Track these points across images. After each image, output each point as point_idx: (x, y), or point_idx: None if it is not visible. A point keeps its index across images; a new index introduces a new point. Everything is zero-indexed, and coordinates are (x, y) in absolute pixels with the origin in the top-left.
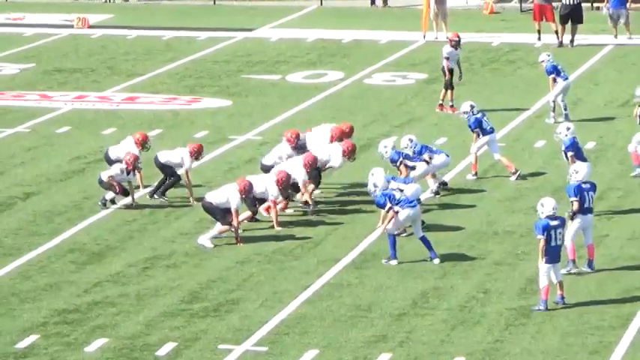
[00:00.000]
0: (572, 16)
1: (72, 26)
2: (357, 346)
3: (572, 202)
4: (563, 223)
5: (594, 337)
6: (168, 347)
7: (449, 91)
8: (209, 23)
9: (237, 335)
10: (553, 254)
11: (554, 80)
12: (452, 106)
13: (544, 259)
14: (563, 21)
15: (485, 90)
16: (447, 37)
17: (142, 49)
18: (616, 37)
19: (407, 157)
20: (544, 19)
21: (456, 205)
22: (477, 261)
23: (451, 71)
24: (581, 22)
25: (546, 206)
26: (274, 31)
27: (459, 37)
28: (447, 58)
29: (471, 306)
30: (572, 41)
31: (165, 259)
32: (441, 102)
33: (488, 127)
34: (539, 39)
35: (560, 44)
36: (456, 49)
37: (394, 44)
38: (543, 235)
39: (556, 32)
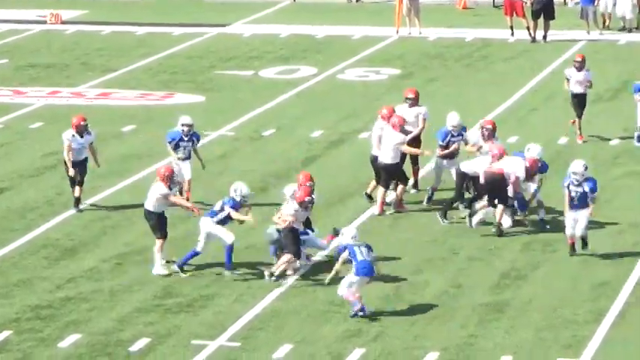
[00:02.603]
0: (545, 12)
1: (45, 22)
2: (330, 341)
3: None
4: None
5: (568, 331)
6: (142, 343)
7: None
8: (183, 19)
9: (211, 331)
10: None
11: None
12: None
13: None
14: (536, 16)
15: (458, 85)
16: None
17: (116, 45)
18: (588, 32)
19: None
20: (514, 15)
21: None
22: (450, 256)
23: None
24: (553, 18)
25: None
26: (248, 27)
27: None
28: None
29: (445, 301)
30: (544, 37)
31: (139, 254)
32: None
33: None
34: (512, 34)
35: (533, 40)
36: None
37: (367, 40)
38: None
39: (527, 28)
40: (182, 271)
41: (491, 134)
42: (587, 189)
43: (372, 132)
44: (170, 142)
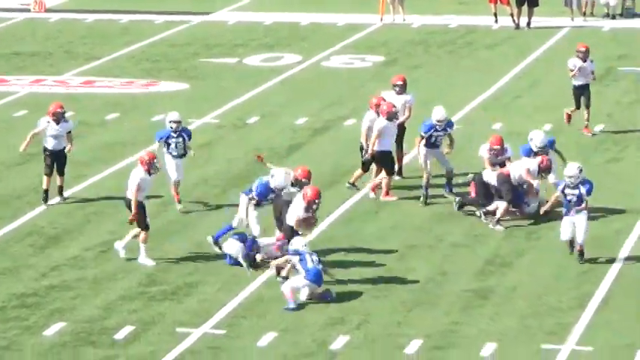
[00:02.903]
0: None
1: (29, 10)
2: (314, 329)
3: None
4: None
5: (552, 318)
6: (127, 330)
7: None
8: (166, 7)
9: (196, 318)
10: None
11: None
12: None
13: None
14: (520, 3)
15: (442, 72)
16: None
17: (100, 33)
18: (572, 19)
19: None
20: (499, 2)
21: (415, 187)
22: (435, 243)
23: None
24: (537, 5)
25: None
26: (232, 14)
27: None
28: None
29: (429, 288)
30: (528, 23)
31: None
32: None
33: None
34: (496, 21)
35: (517, 26)
36: None
37: (352, 27)
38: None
39: (511, 15)
40: (216, 244)
41: (499, 153)
42: (583, 191)
43: (362, 122)
44: (159, 141)
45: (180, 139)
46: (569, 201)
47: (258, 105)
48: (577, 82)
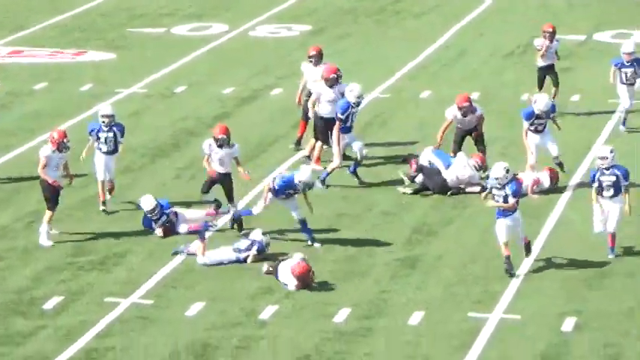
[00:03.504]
0: None
1: None
2: (243, 298)
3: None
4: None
5: (479, 286)
6: (55, 301)
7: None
8: None
9: (124, 288)
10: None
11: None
12: None
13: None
14: None
15: (370, 41)
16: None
17: (26, 3)
18: None
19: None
20: None
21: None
22: (363, 212)
23: None
24: None
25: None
26: None
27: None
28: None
29: (357, 256)
30: None
31: None
32: None
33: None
34: None
35: None
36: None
37: None
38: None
39: None
40: (235, 222)
41: (469, 110)
42: (509, 192)
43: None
44: (90, 134)
45: (112, 134)
46: (498, 202)
47: (186, 74)
48: (542, 63)
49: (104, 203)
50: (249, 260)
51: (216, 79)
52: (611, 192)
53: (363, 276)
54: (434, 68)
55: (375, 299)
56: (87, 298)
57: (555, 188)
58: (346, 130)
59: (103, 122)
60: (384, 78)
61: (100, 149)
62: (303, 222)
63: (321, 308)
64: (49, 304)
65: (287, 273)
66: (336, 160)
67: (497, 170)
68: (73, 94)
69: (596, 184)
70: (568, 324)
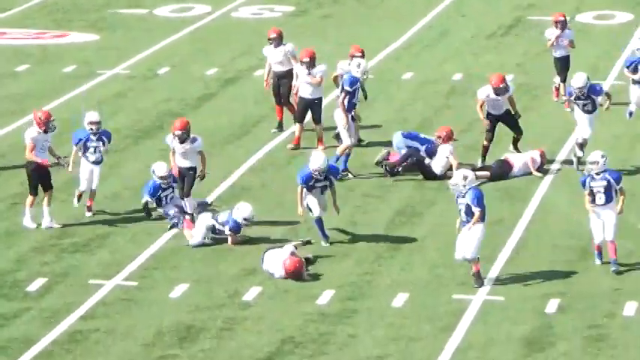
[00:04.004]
0: None
1: None
2: (227, 279)
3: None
4: None
5: (463, 268)
6: (39, 283)
7: None
8: None
9: (108, 270)
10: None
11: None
12: None
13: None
14: None
15: (353, 22)
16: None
17: None
18: None
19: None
20: None
21: (326, 140)
22: (346, 193)
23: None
24: None
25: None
26: None
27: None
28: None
29: (341, 238)
30: None
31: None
32: None
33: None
34: None
35: None
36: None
37: None
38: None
39: None
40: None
41: (503, 92)
42: (469, 201)
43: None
44: (77, 144)
45: (100, 143)
46: (460, 210)
47: (169, 56)
48: (556, 55)
49: (90, 209)
50: (229, 241)
51: (200, 61)
52: (603, 199)
53: (346, 258)
54: (416, 48)
55: (359, 281)
56: (71, 281)
57: (540, 170)
58: (352, 106)
59: (92, 130)
60: (367, 59)
61: (88, 159)
62: (318, 220)
63: (304, 290)
64: (33, 287)
65: (276, 264)
66: (347, 140)
67: (457, 177)
68: (55, 76)
69: (587, 191)
70: (552, 305)
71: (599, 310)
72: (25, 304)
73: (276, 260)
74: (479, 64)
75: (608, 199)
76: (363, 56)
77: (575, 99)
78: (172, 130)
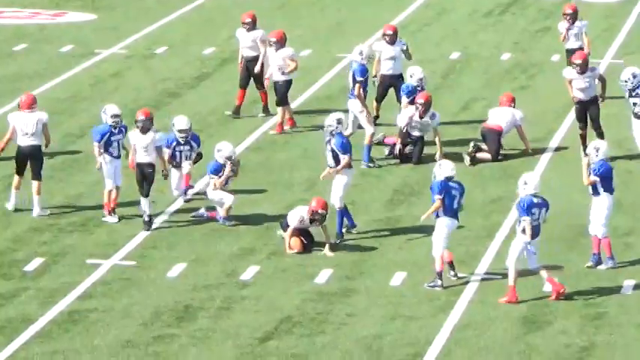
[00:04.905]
0: None
1: None
2: (225, 258)
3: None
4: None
5: (461, 247)
6: (36, 263)
7: None
8: None
9: (106, 250)
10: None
11: None
12: None
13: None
14: None
15: (350, 1)
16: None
17: None
18: None
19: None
20: None
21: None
22: None
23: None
24: None
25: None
26: None
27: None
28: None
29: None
30: None
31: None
32: None
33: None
34: None
35: None
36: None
37: None
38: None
39: None
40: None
41: (584, 69)
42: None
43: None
44: (99, 142)
45: (121, 136)
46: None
47: (166, 35)
48: (570, 46)
49: (113, 212)
50: (213, 186)
51: (197, 40)
52: (590, 191)
53: (344, 237)
54: (413, 28)
55: (357, 260)
56: (68, 260)
57: (535, 150)
58: (365, 94)
59: (114, 123)
60: (364, 38)
61: (112, 154)
62: (342, 211)
63: (302, 269)
64: (31, 266)
65: (301, 210)
66: (369, 128)
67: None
68: (53, 55)
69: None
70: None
71: (597, 289)
72: (22, 284)
73: (300, 210)
74: (476, 42)
75: (596, 192)
76: (395, 34)
77: (628, 96)
78: (135, 118)
